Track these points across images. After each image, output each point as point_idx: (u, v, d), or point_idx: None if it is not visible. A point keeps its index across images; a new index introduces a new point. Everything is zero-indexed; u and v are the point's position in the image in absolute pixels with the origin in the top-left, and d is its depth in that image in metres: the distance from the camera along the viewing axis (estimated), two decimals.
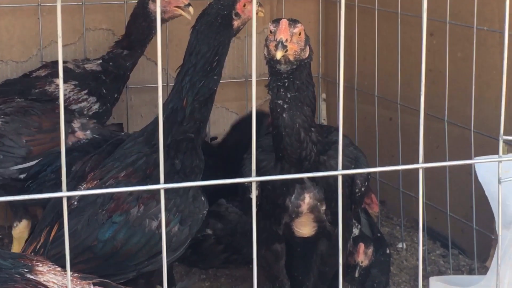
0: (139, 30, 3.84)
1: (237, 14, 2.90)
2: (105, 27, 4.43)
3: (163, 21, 3.75)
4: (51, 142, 3.43)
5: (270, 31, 2.66)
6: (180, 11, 3.69)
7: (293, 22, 2.65)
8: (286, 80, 2.67)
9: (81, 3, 4.25)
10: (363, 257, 3.46)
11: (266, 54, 2.69)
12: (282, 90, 2.68)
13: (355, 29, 4.36)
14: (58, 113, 3.47)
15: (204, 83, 2.82)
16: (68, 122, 3.42)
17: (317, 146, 2.72)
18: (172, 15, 3.73)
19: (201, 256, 3.70)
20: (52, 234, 2.67)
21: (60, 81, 1.69)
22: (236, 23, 2.91)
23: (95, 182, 2.77)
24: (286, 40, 2.59)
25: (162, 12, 3.66)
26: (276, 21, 2.66)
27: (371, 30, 4.26)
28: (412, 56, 4.09)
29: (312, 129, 2.71)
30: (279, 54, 2.59)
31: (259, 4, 2.99)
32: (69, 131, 3.43)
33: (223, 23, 2.87)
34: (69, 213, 2.64)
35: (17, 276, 1.98)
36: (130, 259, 2.65)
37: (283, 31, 2.61)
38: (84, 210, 2.67)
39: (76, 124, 3.43)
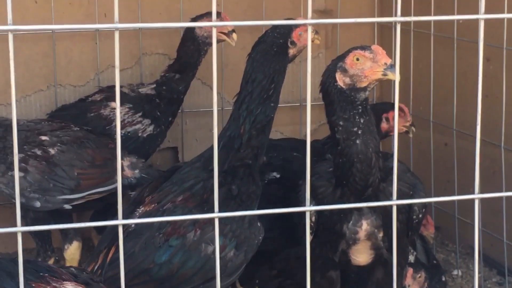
0: (188, 53, 3.91)
1: (292, 43, 2.90)
2: (161, 51, 4.48)
3: (208, 45, 3.84)
4: (100, 178, 3.49)
5: (358, 58, 2.60)
6: (224, 37, 3.76)
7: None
8: (360, 107, 2.65)
9: (138, 29, 4.31)
10: (410, 281, 3.44)
11: (344, 84, 2.64)
12: (357, 117, 2.65)
13: (410, 54, 4.36)
14: (111, 148, 3.54)
15: (261, 110, 2.83)
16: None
17: (380, 173, 2.71)
18: (218, 41, 3.79)
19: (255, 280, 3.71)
20: (109, 256, 2.69)
21: (117, 111, 1.74)
22: (291, 51, 2.91)
23: (153, 205, 2.79)
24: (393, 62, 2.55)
25: (207, 36, 3.79)
26: (364, 48, 2.61)
27: (427, 55, 4.26)
28: (467, 81, 4.07)
29: (380, 154, 2.71)
30: (394, 77, 2.51)
31: (315, 32, 2.98)
32: (123, 166, 3.47)
33: (279, 51, 2.87)
34: (126, 236, 2.67)
35: None
36: (185, 283, 2.66)
37: (385, 54, 2.58)
38: (141, 233, 2.69)
39: (125, 163, 3.49)
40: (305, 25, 2.90)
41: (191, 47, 3.89)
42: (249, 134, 2.84)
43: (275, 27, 2.93)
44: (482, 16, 1.89)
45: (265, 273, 3.68)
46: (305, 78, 4.67)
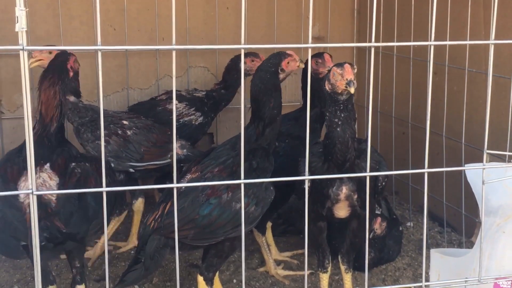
0: (232, 79, 3.93)
1: (282, 70, 2.85)
2: (202, 65, 4.49)
3: (248, 75, 3.75)
4: (157, 155, 3.51)
5: (334, 73, 2.57)
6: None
7: (351, 65, 2.59)
8: (341, 105, 2.62)
9: (186, 49, 4.32)
10: (378, 226, 3.45)
11: (328, 88, 2.61)
12: (338, 112, 2.63)
13: (379, 69, 4.35)
14: (169, 135, 3.57)
15: (268, 116, 2.81)
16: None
17: (355, 152, 2.71)
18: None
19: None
20: (167, 208, 2.69)
21: (173, 107, 1.75)
22: (281, 76, 2.86)
23: (197, 174, 2.79)
24: (353, 78, 2.54)
25: (249, 70, 3.73)
26: (340, 65, 2.58)
27: (391, 69, 4.25)
28: (420, 89, 4.06)
29: (355, 139, 2.70)
30: (352, 90, 2.53)
31: (300, 61, 2.93)
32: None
33: (271, 76, 2.81)
34: (178, 195, 2.67)
35: None
36: (220, 229, 2.66)
37: (350, 73, 2.55)
38: (189, 193, 2.69)
39: (177, 144, 3.49)
40: (291, 56, 2.86)
41: (235, 76, 3.91)
42: (263, 131, 2.84)
43: (269, 58, 2.87)
44: (431, 42, 1.89)
45: (274, 221, 3.69)
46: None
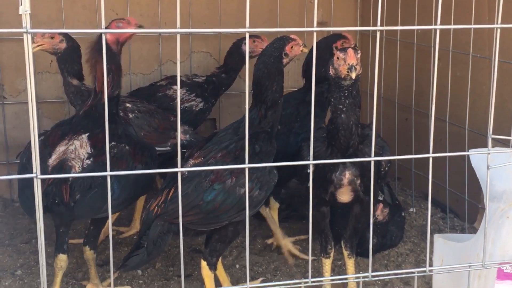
0: (234, 62, 3.91)
1: (286, 54, 2.85)
2: (205, 50, 4.47)
3: (251, 57, 3.80)
4: (157, 140, 3.47)
5: (338, 57, 2.56)
6: (259, 50, 3.74)
7: (354, 49, 2.57)
8: (346, 91, 2.61)
9: (189, 33, 4.30)
10: (379, 212, 3.45)
11: (332, 73, 2.60)
12: (343, 98, 2.62)
13: (382, 54, 4.33)
14: (171, 121, 3.56)
15: (270, 99, 2.80)
16: (175, 129, 3.47)
17: (359, 138, 2.70)
18: (257, 54, 3.82)
19: None
20: (170, 194, 2.68)
21: (178, 91, 1.75)
22: (285, 60, 2.86)
23: (200, 159, 2.78)
24: (356, 64, 2.53)
25: (251, 52, 3.77)
26: (344, 50, 2.57)
27: (394, 55, 4.23)
28: (424, 74, 4.04)
29: (359, 125, 2.69)
30: (354, 75, 2.52)
31: (304, 45, 2.94)
32: (175, 135, 3.47)
33: (275, 60, 2.81)
34: (182, 181, 2.67)
35: None
36: (225, 214, 2.66)
37: (352, 58, 2.53)
38: (192, 179, 2.67)
39: (181, 129, 3.49)
40: (295, 41, 2.87)
41: (237, 59, 3.89)
42: (265, 114, 2.83)
43: (273, 42, 2.87)
44: (438, 26, 1.88)
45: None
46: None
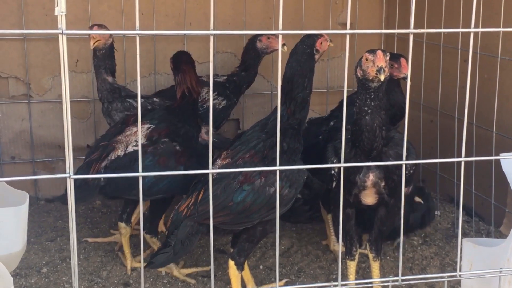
0: (250, 58, 3.99)
1: (317, 50, 2.88)
2: (229, 51, 4.48)
3: (264, 53, 3.98)
4: None
5: (366, 59, 2.55)
6: (278, 47, 3.75)
7: (384, 52, 2.56)
8: (372, 93, 2.60)
9: (213, 34, 4.28)
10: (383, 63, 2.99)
11: (360, 74, 2.59)
12: (368, 100, 2.61)
13: (409, 57, 4.29)
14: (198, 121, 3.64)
15: (300, 96, 2.81)
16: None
17: (383, 141, 2.69)
18: (272, 51, 3.99)
19: (292, 213, 3.71)
20: (200, 195, 2.70)
21: (210, 92, 1.74)
22: (316, 56, 2.89)
23: (228, 160, 2.79)
24: (384, 66, 2.52)
25: (265, 48, 3.95)
26: (373, 52, 2.56)
27: (420, 56, 4.20)
28: (449, 76, 4.01)
29: (384, 128, 2.68)
30: (382, 77, 2.51)
31: (330, 40, 2.99)
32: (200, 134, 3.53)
33: (307, 58, 2.83)
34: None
35: None
36: (255, 213, 2.67)
37: (381, 60, 2.52)
38: (220, 180, 2.68)
39: (203, 130, 3.50)
40: (323, 36, 2.93)
41: (253, 55, 3.97)
42: (294, 111, 2.83)
43: (303, 40, 2.90)
44: (473, 29, 1.86)
45: (299, 208, 3.68)
46: (330, 72, 4.66)
